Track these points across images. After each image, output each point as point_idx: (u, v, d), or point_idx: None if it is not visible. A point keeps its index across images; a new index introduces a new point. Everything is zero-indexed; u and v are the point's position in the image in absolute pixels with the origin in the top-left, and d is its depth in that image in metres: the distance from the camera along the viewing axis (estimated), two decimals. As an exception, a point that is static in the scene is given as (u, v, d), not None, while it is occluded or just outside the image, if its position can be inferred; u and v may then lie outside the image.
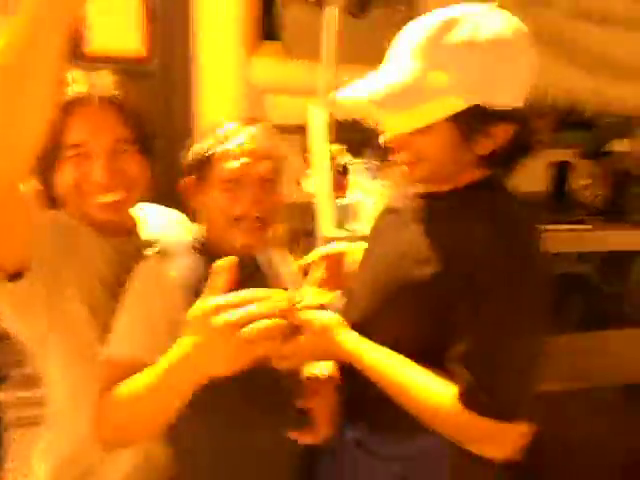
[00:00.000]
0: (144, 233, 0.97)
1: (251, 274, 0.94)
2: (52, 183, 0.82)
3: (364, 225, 1.73)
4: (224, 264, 0.64)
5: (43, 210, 0.85)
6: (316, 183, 1.81)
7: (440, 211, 0.81)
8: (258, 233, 0.88)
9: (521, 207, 0.79)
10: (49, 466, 0.90)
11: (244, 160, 0.84)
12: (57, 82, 0.60)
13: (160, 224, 1.01)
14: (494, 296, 0.70)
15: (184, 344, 0.64)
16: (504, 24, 0.71)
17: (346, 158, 1.90)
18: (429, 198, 0.85)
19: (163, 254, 0.86)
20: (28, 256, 0.74)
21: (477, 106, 0.70)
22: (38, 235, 0.77)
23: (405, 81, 0.71)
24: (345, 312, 0.90)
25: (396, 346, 0.79)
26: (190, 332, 0.63)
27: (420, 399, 0.74)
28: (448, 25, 0.70)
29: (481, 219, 0.74)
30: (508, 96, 0.71)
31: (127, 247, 0.91)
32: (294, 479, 0.95)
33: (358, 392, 0.86)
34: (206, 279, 0.68)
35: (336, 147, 1.89)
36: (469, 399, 0.70)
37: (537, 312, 0.72)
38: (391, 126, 0.78)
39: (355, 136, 2.09)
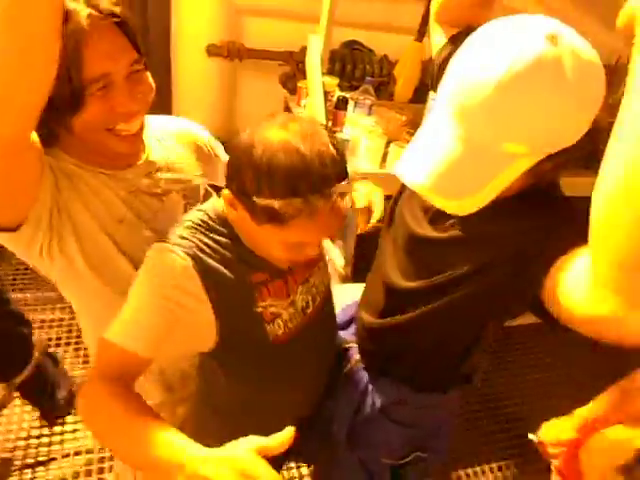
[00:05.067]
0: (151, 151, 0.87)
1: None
2: (71, 124, 0.72)
3: (360, 162, 1.74)
4: (283, 440, 0.54)
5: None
6: (310, 115, 1.67)
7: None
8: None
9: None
10: None
11: None
12: (57, 10, 0.53)
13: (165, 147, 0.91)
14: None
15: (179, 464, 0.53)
16: (585, 60, 0.56)
17: (337, 92, 1.77)
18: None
19: (183, 244, 0.72)
20: (28, 208, 0.70)
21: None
22: (46, 181, 0.72)
23: (476, 159, 0.59)
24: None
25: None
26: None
27: None
28: (520, 80, 0.54)
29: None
30: (580, 133, 0.59)
31: (138, 177, 0.83)
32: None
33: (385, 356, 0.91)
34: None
35: (329, 79, 1.80)
36: None
37: None
38: (458, 209, 0.63)
39: (348, 69, 2.15)
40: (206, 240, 0.74)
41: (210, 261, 0.73)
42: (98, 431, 0.65)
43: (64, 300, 0.88)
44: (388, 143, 1.67)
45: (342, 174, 0.67)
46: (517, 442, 1.88)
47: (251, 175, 0.66)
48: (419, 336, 0.87)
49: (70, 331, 2.14)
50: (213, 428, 0.87)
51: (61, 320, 2.17)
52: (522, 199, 0.68)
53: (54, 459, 1.58)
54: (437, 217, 0.79)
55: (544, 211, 0.67)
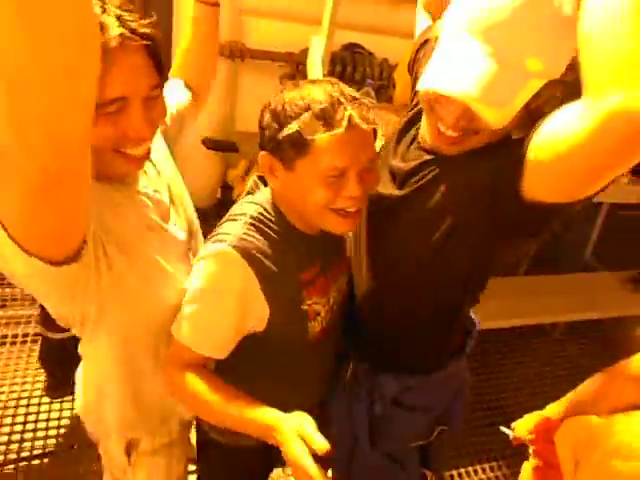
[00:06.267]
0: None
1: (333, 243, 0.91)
2: None
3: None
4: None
5: None
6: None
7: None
8: (356, 220, 0.78)
9: None
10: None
11: (352, 149, 0.70)
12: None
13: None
14: None
15: (270, 428, 0.70)
16: None
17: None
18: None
19: (241, 245, 0.75)
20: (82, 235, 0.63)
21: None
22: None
23: (506, 73, 0.65)
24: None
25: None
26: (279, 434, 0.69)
27: None
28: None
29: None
30: (569, 58, 0.66)
31: (138, 181, 0.81)
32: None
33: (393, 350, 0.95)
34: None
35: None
36: None
37: None
38: (496, 120, 0.66)
39: (348, 71, 2.17)
40: (262, 239, 0.78)
41: (267, 262, 0.77)
42: (204, 412, 0.82)
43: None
44: (387, 146, 1.67)
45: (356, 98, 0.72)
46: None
47: (271, 117, 0.73)
48: (408, 304, 0.89)
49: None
50: None
51: (29, 317, 2.15)
52: (498, 144, 0.73)
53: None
54: (404, 179, 0.82)
55: (512, 149, 0.71)
